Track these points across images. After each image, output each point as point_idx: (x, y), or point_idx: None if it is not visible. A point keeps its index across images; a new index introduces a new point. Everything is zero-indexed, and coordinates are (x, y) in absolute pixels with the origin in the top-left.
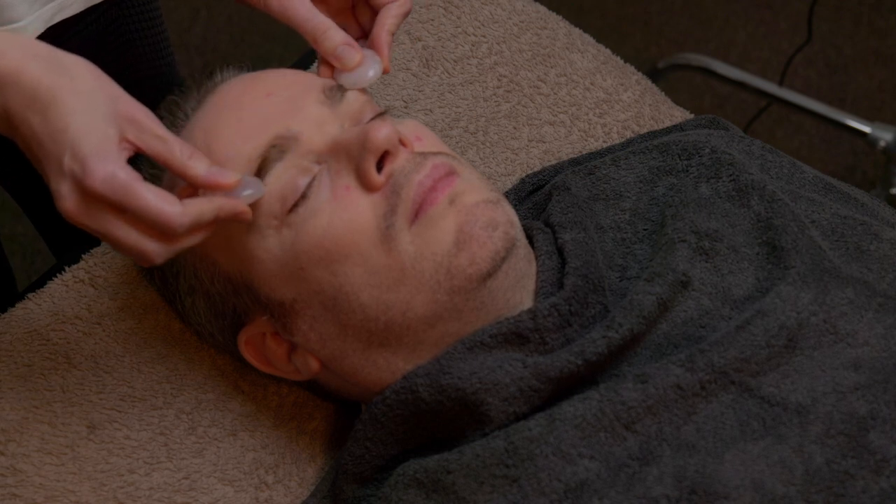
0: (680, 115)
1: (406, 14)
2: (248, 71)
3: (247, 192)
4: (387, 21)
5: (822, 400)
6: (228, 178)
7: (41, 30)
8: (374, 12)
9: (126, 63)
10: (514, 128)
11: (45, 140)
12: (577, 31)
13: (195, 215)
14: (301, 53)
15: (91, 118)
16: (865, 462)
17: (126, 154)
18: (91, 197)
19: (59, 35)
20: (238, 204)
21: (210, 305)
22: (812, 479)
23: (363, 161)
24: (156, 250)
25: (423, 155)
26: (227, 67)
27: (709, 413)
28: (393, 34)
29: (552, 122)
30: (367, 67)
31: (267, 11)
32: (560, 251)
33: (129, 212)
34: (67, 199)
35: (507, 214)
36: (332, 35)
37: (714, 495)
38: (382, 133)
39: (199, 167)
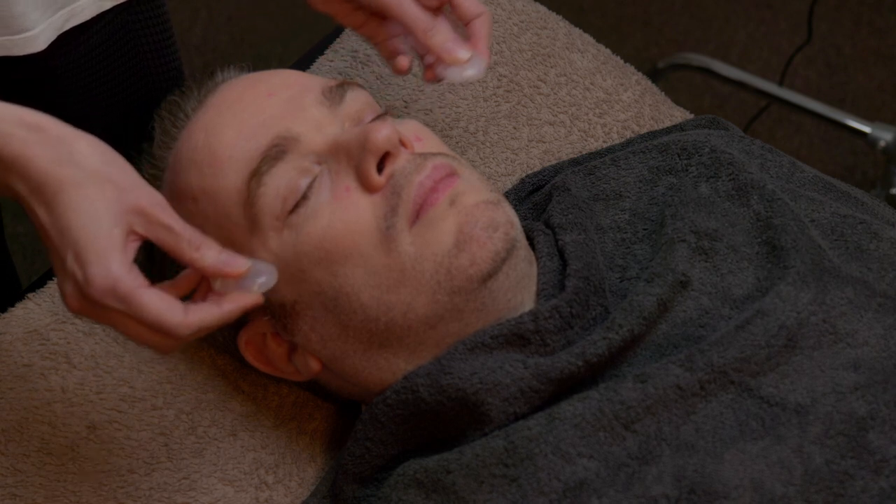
0: (680, 115)
1: (491, 25)
2: (249, 71)
3: (260, 280)
4: (483, 29)
5: (822, 400)
6: (237, 266)
7: (53, 38)
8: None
9: (135, 67)
10: (514, 128)
11: (50, 233)
12: (577, 31)
13: (196, 326)
14: (301, 53)
15: (95, 218)
16: (865, 462)
17: (133, 249)
18: (90, 300)
19: (70, 42)
20: (245, 299)
21: None
22: (811, 480)
23: (363, 162)
24: (162, 345)
25: (424, 156)
26: (227, 67)
27: (708, 413)
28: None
29: (552, 122)
30: (470, 65)
31: (377, 5)
32: (561, 252)
33: (128, 314)
34: (70, 298)
35: (508, 215)
36: (440, 30)
37: (713, 495)
38: (382, 134)
39: (207, 258)
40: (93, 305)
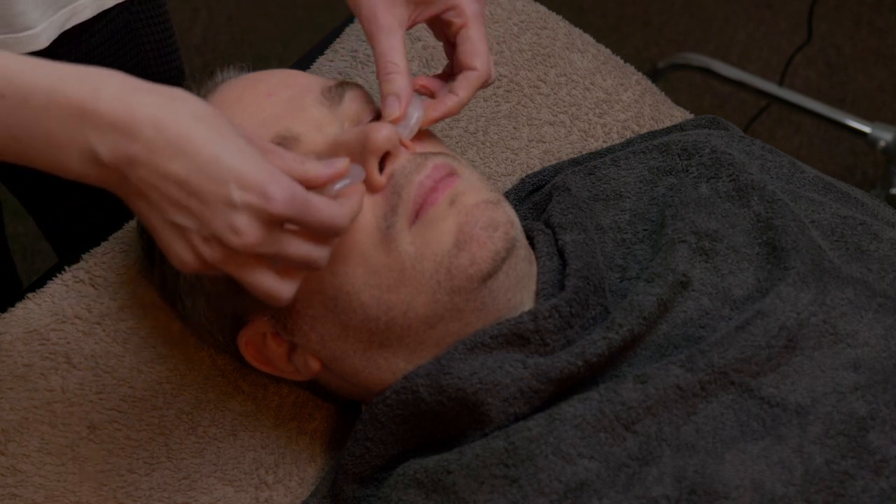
0: (680, 115)
1: (484, 85)
2: (249, 71)
3: (355, 173)
4: (463, 87)
5: (822, 400)
6: (341, 165)
7: (54, 36)
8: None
9: (136, 66)
10: (514, 128)
11: (193, 181)
12: (577, 31)
13: (350, 218)
14: (301, 53)
15: (234, 141)
16: (865, 462)
17: None
18: (273, 221)
19: (71, 41)
20: (362, 188)
21: (210, 306)
22: (812, 480)
23: (364, 162)
24: (322, 255)
25: (424, 155)
26: (227, 67)
27: (708, 413)
28: (463, 105)
29: (552, 122)
30: (402, 126)
31: (365, 31)
32: (560, 252)
33: (302, 224)
34: (248, 234)
35: (508, 215)
36: (392, 79)
37: (714, 495)
38: (382, 133)
39: (313, 168)
40: (270, 230)
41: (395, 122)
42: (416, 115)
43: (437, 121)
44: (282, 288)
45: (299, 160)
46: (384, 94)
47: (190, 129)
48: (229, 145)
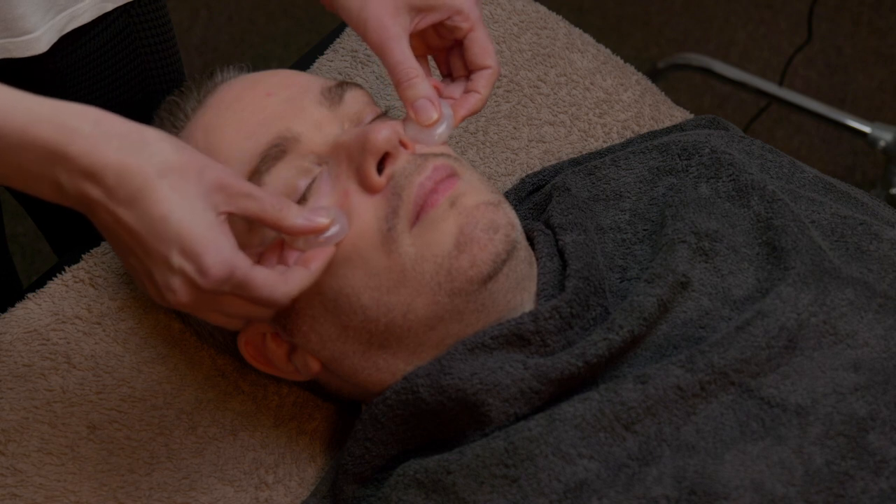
0: (680, 115)
1: (496, 79)
2: (248, 71)
3: (335, 229)
4: (482, 86)
5: (822, 401)
6: (322, 222)
7: (54, 39)
8: (466, 67)
9: (135, 69)
10: (514, 128)
11: (142, 234)
12: (577, 31)
13: (296, 292)
14: (301, 54)
15: (190, 204)
16: (865, 463)
17: (228, 229)
18: (206, 290)
19: (71, 44)
20: (328, 253)
21: None
22: (812, 480)
23: (364, 163)
24: (263, 314)
25: (424, 156)
26: (227, 67)
27: (708, 414)
28: (485, 102)
29: (552, 122)
30: (436, 127)
31: (364, 40)
32: (561, 253)
33: (239, 296)
34: (180, 294)
35: (508, 216)
36: (416, 84)
37: (714, 496)
38: (382, 134)
39: (291, 217)
40: (204, 296)
41: (432, 124)
42: (448, 114)
43: (463, 119)
44: (231, 324)
45: (278, 206)
46: (412, 100)
47: (151, 182)
48: (184, 207)
